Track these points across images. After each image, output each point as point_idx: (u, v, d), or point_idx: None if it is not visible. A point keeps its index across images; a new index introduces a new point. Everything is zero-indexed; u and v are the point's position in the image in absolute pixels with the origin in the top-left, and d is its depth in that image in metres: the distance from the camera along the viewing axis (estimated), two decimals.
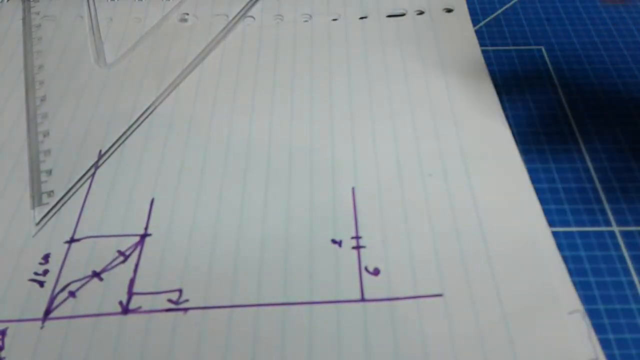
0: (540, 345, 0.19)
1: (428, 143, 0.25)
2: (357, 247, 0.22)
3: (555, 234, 0.22)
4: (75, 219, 0.23)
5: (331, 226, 0.22)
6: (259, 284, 0.21)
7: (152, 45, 0.30)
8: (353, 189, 0.24)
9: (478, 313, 0.20)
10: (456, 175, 0.24)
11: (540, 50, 0.30)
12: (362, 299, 0.20)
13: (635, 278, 0.21)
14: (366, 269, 0.21)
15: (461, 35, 0.30)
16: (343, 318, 0.20)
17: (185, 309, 0.20)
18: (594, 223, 0.23)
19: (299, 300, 0.20)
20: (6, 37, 0.32)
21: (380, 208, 0.23)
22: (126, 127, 0.26)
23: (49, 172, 0.25)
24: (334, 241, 0.22)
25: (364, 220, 0.22)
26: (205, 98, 0.28)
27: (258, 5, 0.32)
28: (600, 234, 0.23)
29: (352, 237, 0.22)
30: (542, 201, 0.23)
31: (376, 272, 0.21)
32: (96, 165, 0.25)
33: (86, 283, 0.21)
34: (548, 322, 0.19)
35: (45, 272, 0.22)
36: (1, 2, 0.33)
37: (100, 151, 0.25)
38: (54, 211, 0.23)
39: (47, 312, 0.20)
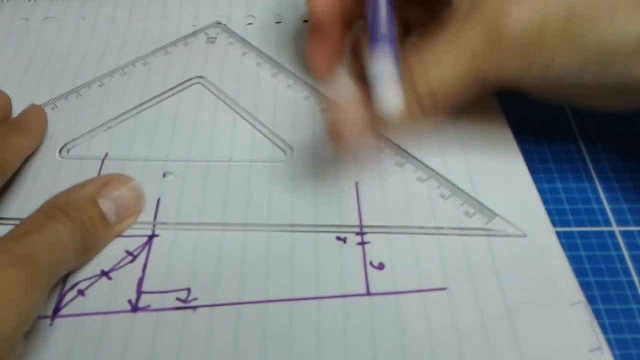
0: (544, 336, 0.19)
1: (428, 140, 0.25)
2: (362, 243, 0.22)
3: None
4: None
5: (336, 222, 0.23)
6: (266, 281, 0.21)
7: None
8: (356, 183, 0.24)
9: (482, 305, 0.20)
10: (458, 171, 0.24)
11: None
12: (368, 293, 0.21)
13: (635, 278, 0.21)
14: (371, 263, 0.21)
15: None
16: (349, 312, 0.20)
17: (194, 307, 0.21)
18: (594, 223, 0.23)
19: (306, 295, 0.21)
20: (8, 35, 0.32)
21: (384, 203, 0.23)
22: (131, 127, 0.27)
23: None
24: (338, 238, 0.22)
25: (368, 215, 0.23)
26: (208, 98, 0.28)
27: (258, 5, 0.32)
28: (600, 234, 0.23)
29: (357, 234, 0.22)
30: (542, 201, 0.23)
31: (381, 266, 0.21)
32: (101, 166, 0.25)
33: (95, 282, 0.21)
34: (551, 313, 0.20)
35: None
36: (1, 1, 0.33)
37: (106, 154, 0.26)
38: None
39: (56, 309, 0.21)
